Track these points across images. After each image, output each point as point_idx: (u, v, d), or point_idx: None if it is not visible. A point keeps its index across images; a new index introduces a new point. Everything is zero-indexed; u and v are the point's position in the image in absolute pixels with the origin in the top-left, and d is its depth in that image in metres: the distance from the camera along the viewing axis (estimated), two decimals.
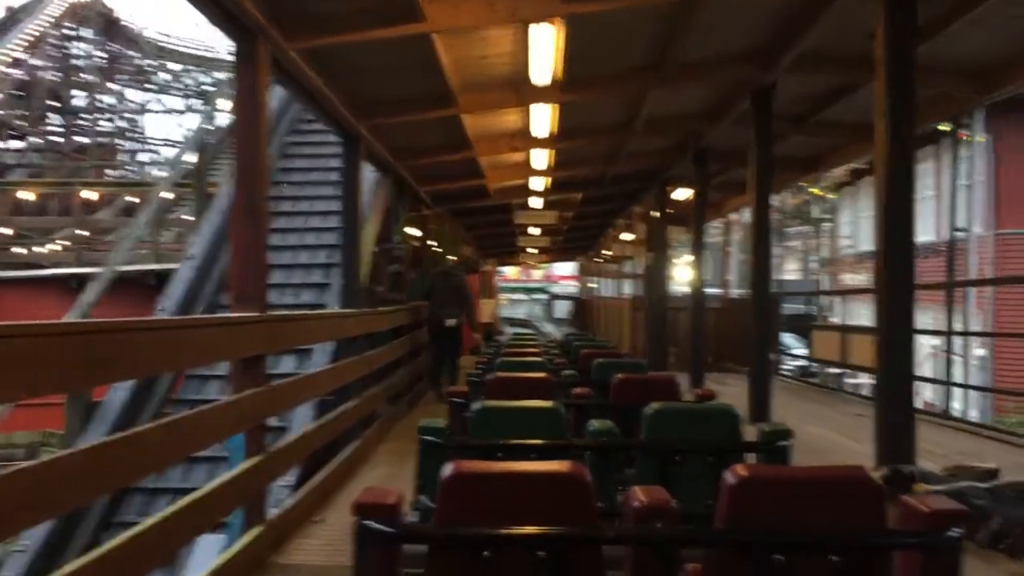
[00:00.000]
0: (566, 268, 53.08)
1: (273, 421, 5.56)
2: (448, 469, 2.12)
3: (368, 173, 8.86)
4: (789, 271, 35.75)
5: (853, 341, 11.21)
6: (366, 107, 7.24)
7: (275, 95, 10.95)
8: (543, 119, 8.78)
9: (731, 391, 8.84)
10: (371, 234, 9.04)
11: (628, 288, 20.85)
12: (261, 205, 4.55)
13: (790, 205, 30.50)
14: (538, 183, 13.15)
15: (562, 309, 41.29)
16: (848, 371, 14.44)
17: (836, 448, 7.14)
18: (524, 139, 9.79)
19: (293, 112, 12.74)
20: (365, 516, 2.00)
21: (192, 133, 18.48)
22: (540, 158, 10.83)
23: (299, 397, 5.53)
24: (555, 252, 32.45)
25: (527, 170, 11.81)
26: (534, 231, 21.32)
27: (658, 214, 13.70)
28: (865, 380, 14.52)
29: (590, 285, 30.60)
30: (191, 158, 15.30)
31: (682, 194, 14.14)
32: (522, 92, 7.79)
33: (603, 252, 25.42)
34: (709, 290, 19.59)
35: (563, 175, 12.84)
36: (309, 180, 12.00)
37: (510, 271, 53.28)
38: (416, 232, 12.80)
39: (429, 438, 3.30)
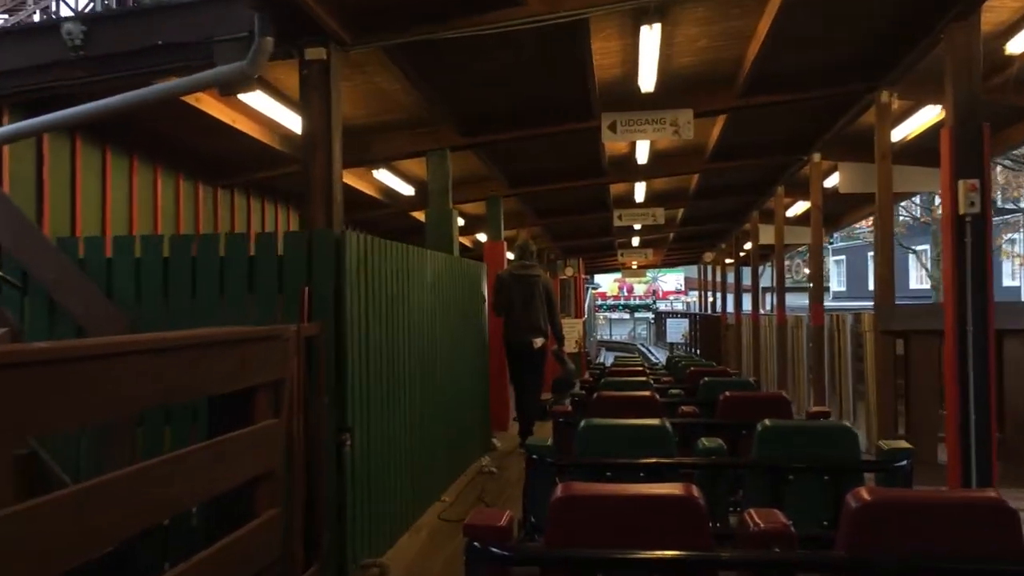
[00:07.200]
0: (675, 282, 49.80)
1: None
2: (558, 491, 2.12)
3: None
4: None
5: None
6: None
7: None
8: None
9: None
10: None
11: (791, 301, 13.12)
12: None
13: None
14: None
15: (675, 331, 36.46)
16: None
17: None
18: None
19: None
20: (476, 538, 2.01)
21: None
22: None
23: None
24: (670, 248, 23.07)
25: None
26: (639, 191, 12.66)
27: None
28: None
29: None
30: None
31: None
32: None
33: (752, 241, 15.63)
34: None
35: None
36: None
37: (607, 286, 50.62)
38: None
39: (538, 456, 3.30)
